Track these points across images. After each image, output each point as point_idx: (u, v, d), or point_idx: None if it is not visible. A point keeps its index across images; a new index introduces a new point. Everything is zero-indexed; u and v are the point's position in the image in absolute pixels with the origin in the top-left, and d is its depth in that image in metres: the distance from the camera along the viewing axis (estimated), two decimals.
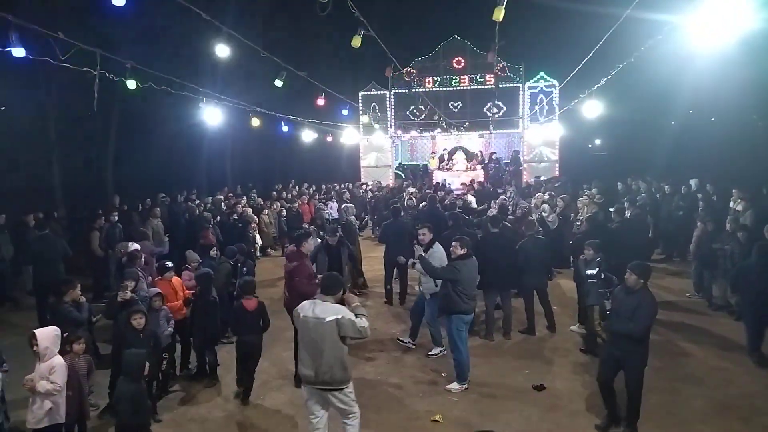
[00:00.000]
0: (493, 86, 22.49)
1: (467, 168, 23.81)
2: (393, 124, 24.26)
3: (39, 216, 11.94)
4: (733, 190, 12.36)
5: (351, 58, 21.65)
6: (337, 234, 9.10)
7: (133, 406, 5.23)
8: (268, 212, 15.77)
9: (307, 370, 5.04)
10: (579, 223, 11.51)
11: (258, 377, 7.18)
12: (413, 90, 22.56)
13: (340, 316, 4.93)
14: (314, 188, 20.84)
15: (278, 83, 11.54)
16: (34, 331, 5.38)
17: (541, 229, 10.84)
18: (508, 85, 22.83)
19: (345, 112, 21.88)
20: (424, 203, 13.72)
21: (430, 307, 7.89)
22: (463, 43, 23.19)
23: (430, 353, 8.10)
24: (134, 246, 8.96)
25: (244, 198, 16.79)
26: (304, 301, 5.26)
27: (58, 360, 5.31)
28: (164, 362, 7.07)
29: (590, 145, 37.99)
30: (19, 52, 7.26)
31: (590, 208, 12.50)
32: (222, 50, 9.55)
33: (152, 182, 19.81)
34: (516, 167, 23.57)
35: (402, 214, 11.57)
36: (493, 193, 17.62)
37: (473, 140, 25.38)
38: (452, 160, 24.39)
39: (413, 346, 8.36)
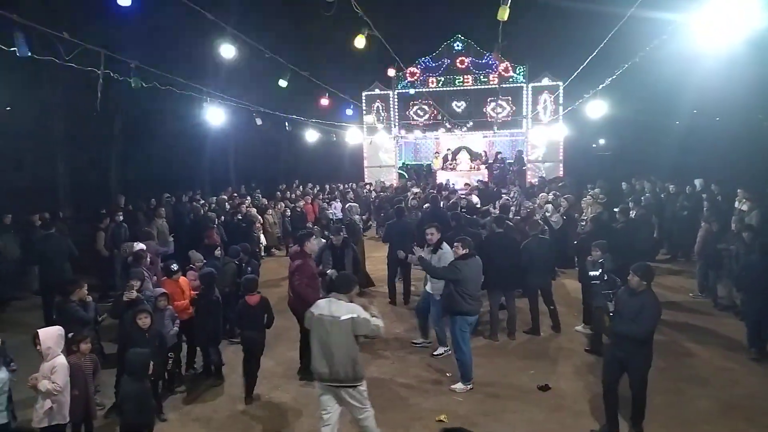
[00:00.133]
0: (496, 86, 22.48)
1: (471, 168, 23.80)
2: (396, 124, 24.26)
3: (45, 216, 11.99)
4: (738, 190, 12.32)
5: (355, 58, 21.65)
6: (341, 234, 9.11)
7: (137, 406, 5.25)
8: (272, 212, 15.79)
9: (322, 367, 5.13)
10: (583, 223, 11.49)
11: (263, 376, 7.20)
12: (417, 90, 22.60)
13: (355, 315, 5.07)
14: (318, 188, 20.86)
15: (282, 83, 11.55)
16: (38, 330, 5.41)
17: (546, 228, 10.83)
18: (511, 85, 22.80)
19: (349, 111, 21.89)
20: (427, 204, 13.72)
21: (436, 307, 7.89)
22: (467, 42, 23.18)
23: (435, 353, 8.10)
24: (139, 246, 8.98)
25: (248, 198, 16.80)
26: (319, 300, 5.44)
27: (60, 360, 5.33)
28: (170, 362, 7.09)
29: (594, 145, 37.87)
30: (23, 52, 7.28)
31: (594, 208, 12.48)
32: (226, 50, 9.55)
33: (157, 182, 19.85)
34: (520, 167, 23.54)
35: (406, 214, 11.57)
36: (497, 194, 17.59)
37: (477, 140, 25.37)
38: (456, 160, 24.39)
39: (428, 344, 8.34)
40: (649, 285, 5.75)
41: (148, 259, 8.45)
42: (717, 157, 21.87)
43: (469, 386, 6.99)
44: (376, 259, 12.53)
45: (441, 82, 23.57)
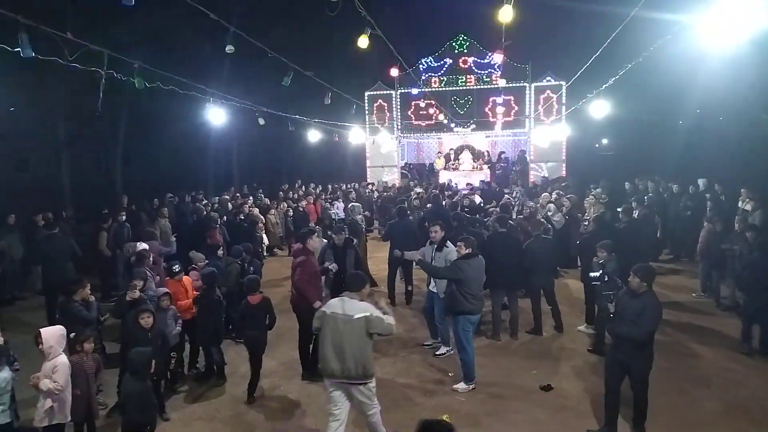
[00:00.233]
0: (499, 86, 22.46)
1: (474, 168, 23.79)
2: (399, 124, 24.26)
3: (48, 216, 12.01)
4: (742, 190, 12.31)
5: (357, 58, 21.67)
6: (344, 233, 9.10)
7: (139, 404, 5.26)
8: (275, 212, 15.80)
9: (333, 364, 5.21)
10: (586, 223, 11.47)
11: (264, 375, 7.22)
12: (420, 90, 22.57)
13: (368, 314, 5.20)
14: (321, 188, 20.87)
15: (285, 82, 11.55)
16: (40, 330, 5.43)
17: (550, 227, 10.82)
18: (514, 85, 22.78)
19: (352, 111, 21.87)
20: (430, 204, 13.72)
21: (440, 306, 7.88)
22: (470, 42, 23.16)
23: (438, 353, 8.10)
24: (142, 246, 9.00)
25: (251, 198, 16.82)
26: (332, 299, 5.56)
27: (62, 359, 5.35)
28: (172, 361, 7.12)
29: (597, 145, 37.83)
30: (27, 52, 7.30)
31: (596, 208, 12.46)
32: (230, 50, 9.57)
33: (160, 182, 19.91)
34: (523, 167, 23.51)
35: (408, 213, 11.56)
36: (499, 193, 17.57)
37: (480, 140, 25.33)
38: (459, 159, 24.37)
39: (439, 344, 8.31)
40: (650, 286, 5.71)
41: (151, 259, 8.46)
42: (720, 157, 21.81)
43: (471, 386, 6.98)
44: (379, 259, 12.53)
45: (444, 82, 23.55)
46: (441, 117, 23.33)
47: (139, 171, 23.27)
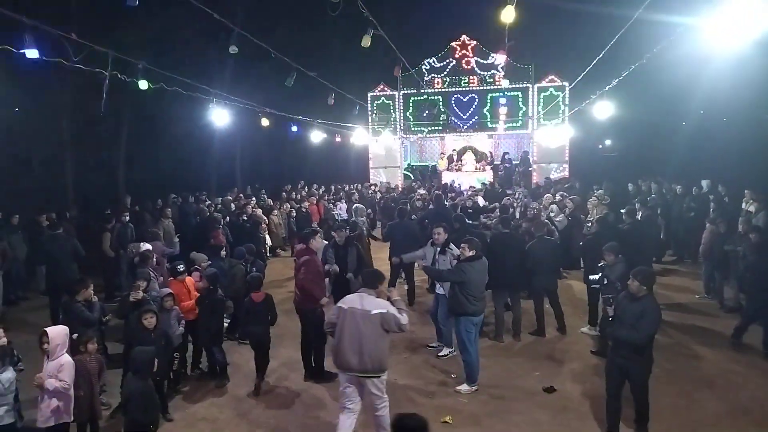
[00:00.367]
0: (502, 87, 22.42)
1: (476, 168, 23.75)
2: (402, 124, 24.24)
3: (52, 216, 12.05)
4: (746, 191, 12.27)
5: (360, 59, 21.70)
6: (344, 231, 9.10)
7: (142, 404, 5.27)
8: (278, 213, 15.82)
9: (351, 358, 5.30)
10: (589, 224, 11.46)
11: (267, 376, 7.23)
12: (423, 90, 22.55)
13: (385, 311, 5.34)
14: (323, 189, 20.88)
15: (288, 83, 11.58)
16: (45, 329, 5.46)
17: (554, 228, 10.81)
18: (517, 86, 22.75)
19: (355, 112, 21.90)
20: (431, 205, 13.71)
21: (444, 307, 7.88)
22: (473, 43, 23.13)
23: (440, 354, 8.10)
24: (146, 246, 9.02)
25: (254, 198, 16.84)
26: (349, 295, 5.69)
27: (67, 358, 5.38)
28: (175, 362, 7.13)
29: (600, 146, 37.74)
30: (32, 53, 7.33)
31: (599, 210, 12.44)
32: (233, 51, 9.59)
33: (163, 183, 19.91)
34: (526, 168, 23.47)
35: (410, 214, 11.56)
36: (502, 194, 17.55)
37: (482, 140, 25.30)
38: (461, 160, 24.33)
39: (443, 346, 8.30)
40: (650, 290, 5.68)
41: (155, 260, 8.49)
42: (724, 158, 21.73)
43: (474, 387, 6.97)
44: (382, 260, 12.51)
45: (447, 83, 23.53)
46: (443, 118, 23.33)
47: (143, 172, 23.28)
